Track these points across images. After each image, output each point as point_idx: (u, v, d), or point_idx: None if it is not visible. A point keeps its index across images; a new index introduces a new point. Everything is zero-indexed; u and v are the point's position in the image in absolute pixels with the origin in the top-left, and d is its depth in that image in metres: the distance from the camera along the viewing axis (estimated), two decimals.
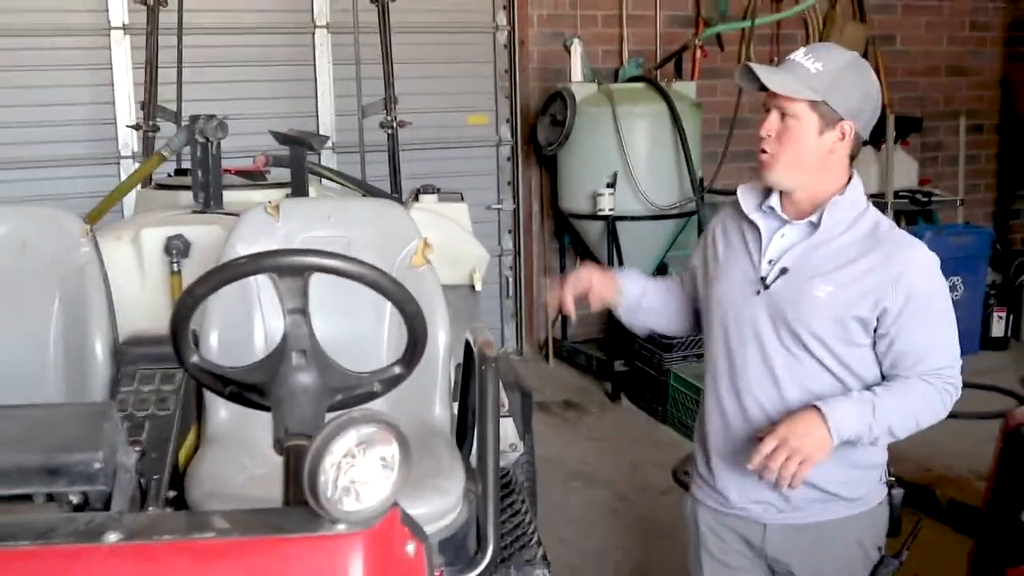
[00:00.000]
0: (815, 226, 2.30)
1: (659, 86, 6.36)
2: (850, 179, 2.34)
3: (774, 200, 2.36)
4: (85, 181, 5.69)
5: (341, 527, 1.44)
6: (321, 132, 5.69)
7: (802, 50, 2.30)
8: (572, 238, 6.84)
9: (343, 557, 1.45)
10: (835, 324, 2.28)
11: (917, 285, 2.27)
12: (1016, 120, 7.99)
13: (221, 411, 2.65)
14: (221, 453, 2.56)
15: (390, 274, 1.87)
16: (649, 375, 6.07)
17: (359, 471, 1.43)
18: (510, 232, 6.95)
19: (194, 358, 1.86)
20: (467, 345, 2.74)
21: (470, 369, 2.71)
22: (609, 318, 6.52)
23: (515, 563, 3.00)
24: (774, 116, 2.27)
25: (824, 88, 2.22)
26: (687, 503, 2.62)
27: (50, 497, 1.61)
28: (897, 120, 6.91)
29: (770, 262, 2.34)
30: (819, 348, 2.31)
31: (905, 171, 7.15)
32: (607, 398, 6.32)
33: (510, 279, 6.98)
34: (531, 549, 3.13)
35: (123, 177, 5.69)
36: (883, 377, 2.36)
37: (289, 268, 1.73)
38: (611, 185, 6.19)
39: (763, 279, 2.34)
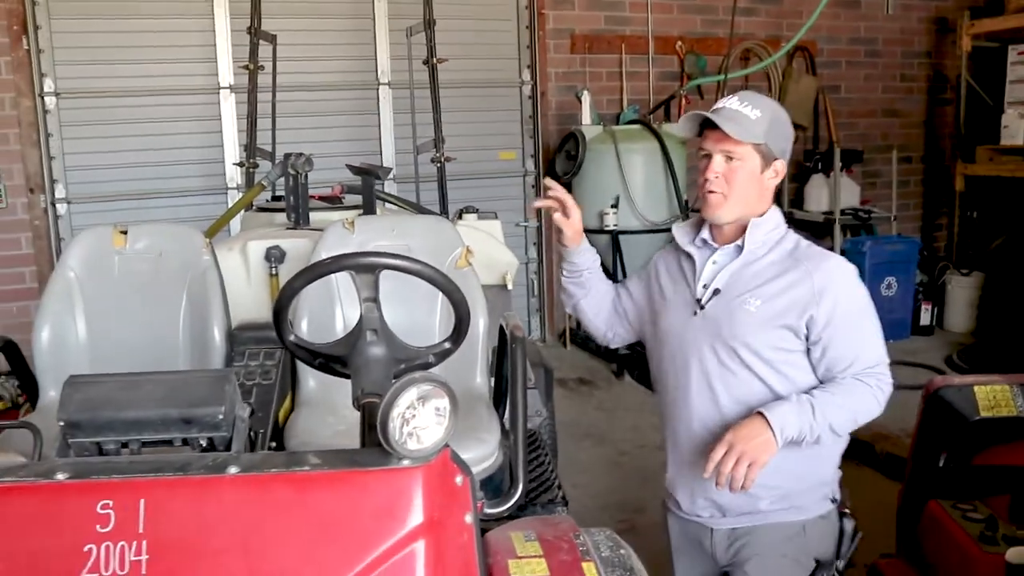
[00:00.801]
0: (740, 248, 2.15)
1: (652, 127, 6.34)
2: (769, 207, 2.19)
3: (706, 233, 2.23)
4: (199, 208, 5.72)
5: (406, 462, 1.48)
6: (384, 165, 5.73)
7: (735, 99, 2.14)
8: None
9: (408, 485, 1.48)
10: (766, 334, 2.10)
11: (840, 293, 2.09)
12: (937, 152, 7.94)
13: (311, 380, 2.70)
14: (311, 413, 2.61)
15: (441, 271, 1.92)
16: (645, 356, 6.01)
17: (419, 419, 1.47)
18: (535, 244, 6.94)
19: (291, 337, 1.92)
20: (501, 330, 2.77)
21: (504, 348, 2.74)
22: None
23: (540, 503, 3.04)
24: (719, 159, 2.11)
25: (763, 132, 2.10)
26: (663, 510, 2.42)
27: (184, 441, 1.66)
28: (843, 153, 6.89)
29: (704, 286, 2.19)
30: (754, 359, 2.11)
31: (850, 194, 7.10)
32: (613, 375, 6.29)
33: (535, 281, 6.98)
34: (553, 492, 3.17)
35: (229, 204, 5.77)
36: (820, 382, 2.13)
37: (364, 266, 1.78)
38: (614, 206, 6.17)
39: (699, 301, 2.18)
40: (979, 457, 2.64)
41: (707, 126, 2.12)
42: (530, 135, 6.74)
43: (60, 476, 1.49)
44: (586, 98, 6.47)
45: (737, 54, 6.99)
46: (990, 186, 6.87)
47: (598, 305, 2.51)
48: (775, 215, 2.19)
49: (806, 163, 7.32)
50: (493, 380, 2.99)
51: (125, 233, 2.83)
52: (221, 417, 1.62)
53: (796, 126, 7.24)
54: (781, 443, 1.99)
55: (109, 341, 2.74)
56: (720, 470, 1.98)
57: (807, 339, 2.10)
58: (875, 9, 7.47)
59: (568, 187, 6.46)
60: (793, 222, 2.57)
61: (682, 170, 6.31)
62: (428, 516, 1.48)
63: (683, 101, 6.83)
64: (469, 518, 1.60)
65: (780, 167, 2.16)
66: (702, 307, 2.17)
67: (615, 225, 6.18)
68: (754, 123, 2.08)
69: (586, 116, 6.46)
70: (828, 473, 2.24)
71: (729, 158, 2.10)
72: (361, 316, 1.79)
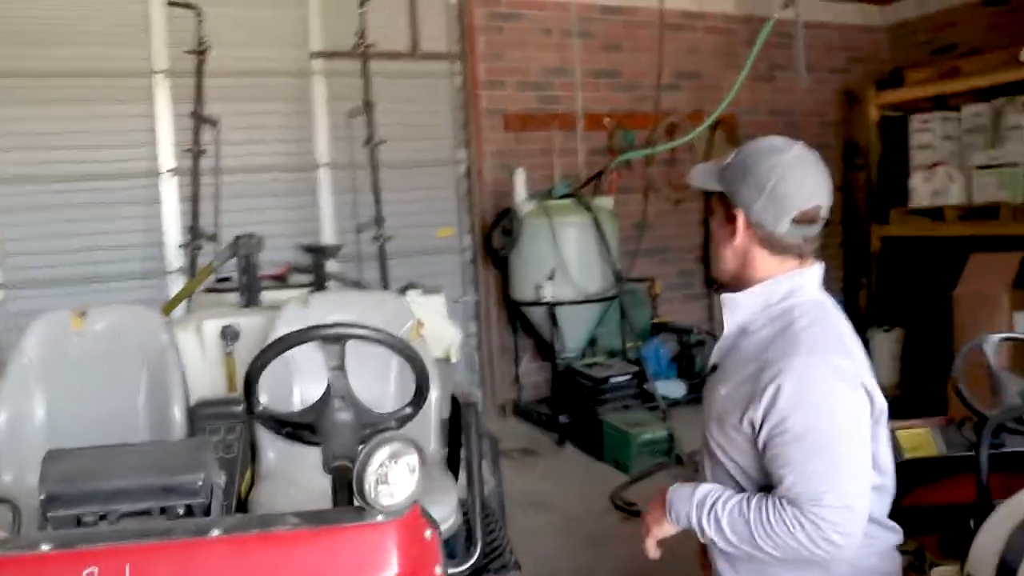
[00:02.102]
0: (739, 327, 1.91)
1: (584, 201, 6.53)
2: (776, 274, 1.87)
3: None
4: (141, 291, 5.70)
5: (380, 517, 1.57)
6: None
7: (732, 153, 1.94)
8: (521, 321, 6.90)
9: (383, 538, 1.57)
10: (723, 425, 1.88)
11: (781, 401, 1.73)
12: (855, 215, 8.31)
13: (270, 453, 2.76)
14: (273, 484, 2.67)
15: (404, 340, 2.03)
16: (586, 424, 6.11)
17: (392, 476, 1.57)
18: (474, 319, 7.02)
19: (260, 407, 2.01)
20: (453, 399, 2.86)
21: (456, 416, 2.84)
22: (554, 382, 6.68)
23: (493, 568, 3.09)
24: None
25: (719, 178, 1.88)
26: None
27: (162, 511, 1.70)
28: None
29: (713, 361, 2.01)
30: (714, 444, 1.92)
31: None
32: (555, 444, 6.34)
33: (475, 355, 7.06)
34: (505, 556, 3.23)
35: (170, 287, 5.78)
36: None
37: (333, 337, 1.88)
38: (550, 278, 6.31)
39: (706, 376, 2.02)
40: (907, 498, 2.79)
41: None
42: (467, 212, 6.87)
43: (44, 547, 1.55)
44: (519, 175, 6.65)
45: (663, 128, 7.28)
46: (904, 245, 7.23)
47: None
48: (767, 287, 1.88)
49: None
50: (447, 449, 3.07)
51: (83, 315, 2.88)
52: (200, 484, 1.69)
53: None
54: (673, 523, 1.89)
55: (68, 421, 2.76)
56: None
57: (757, 439, 1.80)
58: (790, 83, 7.87)
59: (504, 262, 6.66)
60: None
61: (614, 240, 6.53)
62: (403, 568, 1.58)
63: (613, 175, 7.07)
64: (439, 570, 1.70)
65: (741, 218, 1.85)
66: (704, 383, 2.02)
67: (552, 296, 6.32)
68: (721, 168, 1.89)
69: (520, 192, 6.62)
70: None
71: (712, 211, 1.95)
72: (329, 384, 1.88)
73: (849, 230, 8.36)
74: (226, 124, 5.40)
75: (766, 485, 1.83)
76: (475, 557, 2.27)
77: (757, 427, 1.77)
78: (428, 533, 1.70)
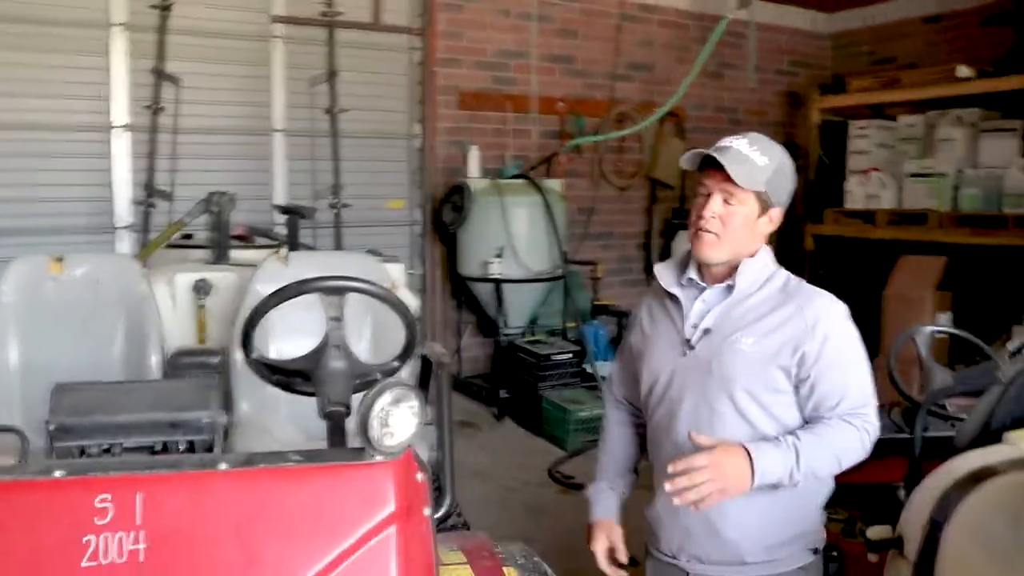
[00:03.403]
0: (731, 288, 2.07)
1: (535, 182, 6.66)
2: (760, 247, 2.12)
3: (693, 272, 2.14)
4: (85, 246, 5.63)
5: (379, 458, 1.63)
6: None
7: (744, 140, 2.06)
8: (466, 296, 7.01)
9: (382, 477, 1.64)
10: (760, 373, 2.02)
11: (831, 329, 2.01)
12: (790, 214, 8.48)
13: (244, 404, 2.82)
14: (247, 434, 2.72)
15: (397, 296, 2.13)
16: (526, 399, 6.26)
17: (393, 419, 1.62)
18: (419, 291, 7.04)
19: (255, 354, 2.08)
20: (425, 359, 2.94)
21: (425, 376, 2.92)
22: (495, 357, 6.80)
23: (443, 529, 3.21)
24: (718, 200, 2.03)
25: (766, 180, 2.02)
26: (644, 552, 2.30)
27: (165, 447, 1.77)
28: None
29: (693, 326, 2.10)
30: (746, 399, 2.03)
31: None
32: (494, 418, 6.47)
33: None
34: (455, 519, 3.37)
35: (116, 244, 5.76)
36: (805, 421, 2.05)
37: (334, 289, 1.97)
38: (498, 255, 6.43)
39: (688, 341, 2.09)
40: (839, 476, 2.98)
41: (710, 164, 2.04)
42: (418, 186, 6.93)
43: (57, 474, 1.61)
44: (473, 152, 6.75)
45: (613, 117, 7.44)
46: (837, 245, 7.52)
47: (634, 432, 2.38)
48: (765, 254, 2.13)
49: (673, 220, 7.80)
50: None
51: (61, 261, 2.89)
52: (206, 421, 1.76)
53: (664, 185, 7.80)
54: (756, 485, 1.93)
55: (44, 365, 2.76)
56: (688, 480, 1.89)
57: (796, 376, 2.02)
58: (737, 81, 8.12)
59: (452, 237, 6.75)
60: None
61: (562, 222, 6.68)
62: (399, 506, 1.66)
63: (563, 158, 7.23)
64: (427, 511, 1.79)
65: (776, 215, 2.09)
66: (692, 347, 2.09)
67: (499, 274, 6.44)
68: (760, 170, 2.02)
69: (473, 170, 6.72)
70: (814, 522, 2.16)
71: (727, 201, 2.03)
72: (327, 334, 1.97)
73: (785, 228, 8.53)
74: (184, 83, 5.37)
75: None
76: (445, 506, 2.36)
77: (811, 360, 2.00)
78: (420, 476, 1.78)
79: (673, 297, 2.16)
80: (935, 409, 3.01)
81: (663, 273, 2.20)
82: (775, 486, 1.97)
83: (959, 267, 6.28)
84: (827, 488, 2.17)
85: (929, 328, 3.22)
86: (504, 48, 7.18)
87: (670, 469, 1.92)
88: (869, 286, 6.61)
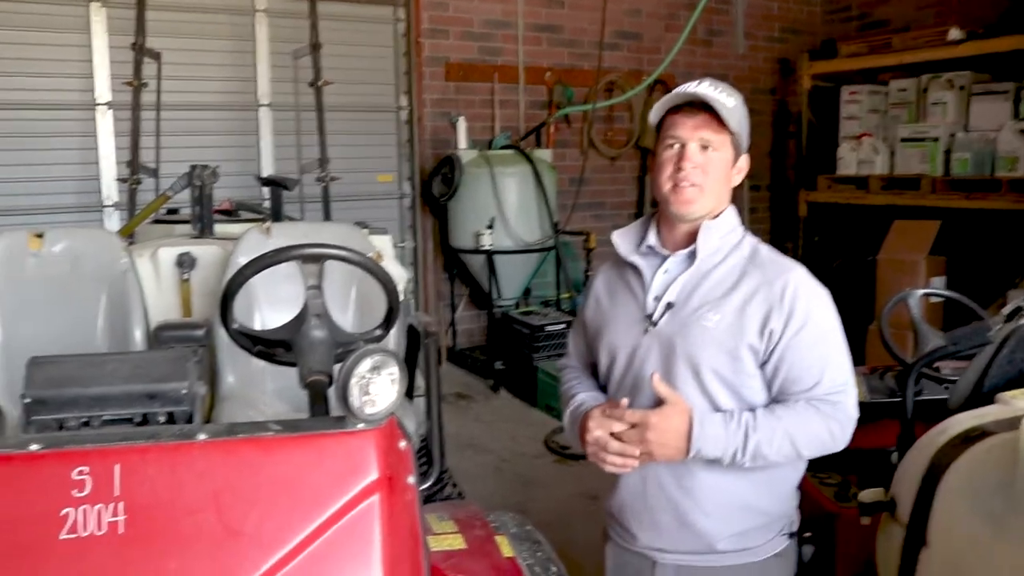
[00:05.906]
0: (694, 255, 1.92)
1: (524, 152, 6.63)
2: (727, 206, 1.97)
3: (652, 238, 1.99)
4: (74, 226, 5.49)
5: (361, 426, 1.61)
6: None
7: (706, 83, 1.91)
8: (459, 269, 7.00)
9: (364, 446, 1.61)
10: (727, 353, 1.86)
11: (801, 304, 1.84)
12: (784, 181, 8.58)
13: (229, 376, 2.80)
14: (231, 406, 2.71)
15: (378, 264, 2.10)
16: (521, 371, 6.27)
17: (374, 386, 1.60)
18: (411, 264, 7.01)
19: (235, 324, 2.05)
20: (413, 329, 2.93)
21: (413, 348, 2.90)
22: (489, 329, 6.79)
23: (438, 499, 3.21)
24: (694, 148, 1.88)
25: (738, 121, 1.90)
26: (602, 539, 2.17)
27: (144, 419, 1.72)
28: None
29: (656, 299, 1.94)
30: (711, 378, 1.87)
31: None
32: (490, 390, 6.49)
33: (412, 300, 7.10)
34: (449, 488, 3.37)
35: (105, 221, 5.70)
36: (773, 401, 1.90)
37: (312, 256, 1.93)
38: (490, 227, 6.42)
39: (650, 316, 1.93)
40: None
41: (677, 109, 1.90)
42: (407, 159, 6.89)
43: (34, 447, 1.58)
44: (461, 124, 6.70)
45: (602, 86, 7.38)
46: (830, 211, 7.50)
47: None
48: (731, 216, 1.98)
49: None
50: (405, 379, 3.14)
51: (40, 236, 2.86)
52: (185, 392, 1.72)
53: (652, 152, 7.79)
54: (691, 457, 1.83)
55: (25, 341, 2.73)
56: (618, 438, 1.85)
57: (763, 353, 1.87)
58: (727, 48, 8.05)
59: (443, 209, 6.72)
60: None
61: (552, 193, 6.65)
62: (382, 474, 1.64)
63: (552, 129, 7.19)
64: (412, 479, 1.77)
65: (744, 164, 1.97)
66: (654, 324, 1.93)
67: (490, 245, 6.43)
68: (731, 111, 1.87)
69: (462, 141, 6.69)
70: (787, 506, 2.03)
71: (705, 147, 1.89)
72: (306, 303, 1.94)
73: (778, 195, 8.62)
74: (166, 59, 5.30)
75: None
76: (434, 476, 2.35)
77: (778, 336, 1.84)
78: (403, 444, 1.76)
79: (633, 267, 2.00)
80: (928, 372, 3.00)
81: (621, 241, 2.04)
82: (716, 462, 1.85)
83: (953, 232, 6.28)
84: (801, 468, 2.01)
85: (920, 291, 3.20)
86: (490, 18, 7.10)
87: (626, 416, 1.85)
88: (863, 252, 6.61)
